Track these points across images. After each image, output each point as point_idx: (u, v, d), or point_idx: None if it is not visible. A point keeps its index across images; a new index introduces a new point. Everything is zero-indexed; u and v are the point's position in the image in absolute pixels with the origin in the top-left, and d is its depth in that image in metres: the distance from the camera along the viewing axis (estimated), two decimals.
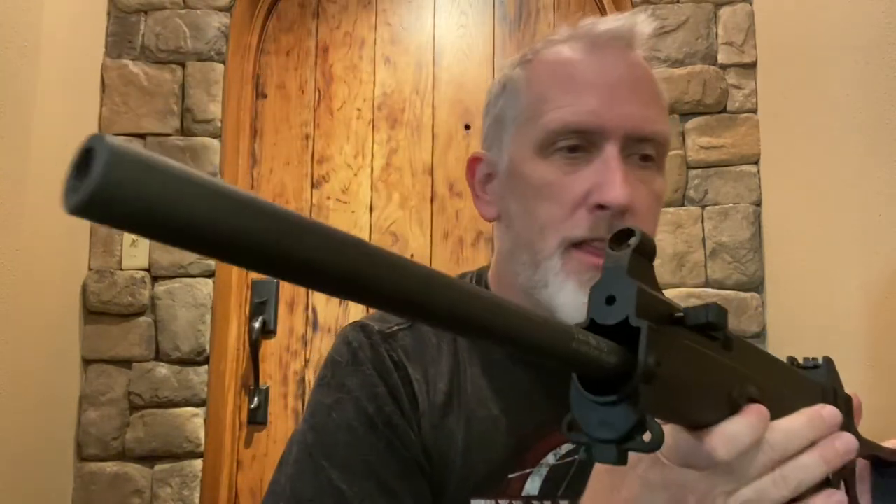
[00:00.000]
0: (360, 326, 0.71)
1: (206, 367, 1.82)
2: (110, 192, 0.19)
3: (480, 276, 0.79)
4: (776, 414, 0.43)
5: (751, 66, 1.89)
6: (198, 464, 1.78)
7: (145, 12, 1.95)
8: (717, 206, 1.85)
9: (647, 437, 0.34)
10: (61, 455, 1.74)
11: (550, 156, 0.66)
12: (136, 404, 1.80)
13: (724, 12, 1.92)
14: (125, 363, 1.81)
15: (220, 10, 1.95)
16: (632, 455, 0.35)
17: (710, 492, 0.41)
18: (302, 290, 1.92)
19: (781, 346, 1.69)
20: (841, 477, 0.54)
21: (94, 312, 1.82)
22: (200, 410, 1.80)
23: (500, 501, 0.66)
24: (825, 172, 1.54)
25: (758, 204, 1.84)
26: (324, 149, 2.01)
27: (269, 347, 1.92)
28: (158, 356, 1.81)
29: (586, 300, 0.37)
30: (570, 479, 0.68)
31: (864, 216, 1.37)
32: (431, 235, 1.97)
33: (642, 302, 0.35)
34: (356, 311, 1.90)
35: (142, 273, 1.84)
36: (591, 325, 0.35)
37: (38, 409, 1.64)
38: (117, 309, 1.82)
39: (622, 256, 0.37)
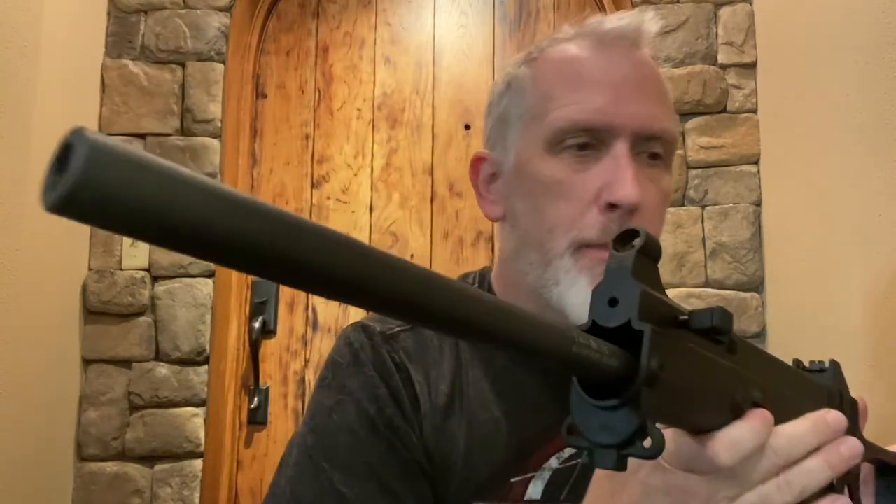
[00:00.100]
0: (361, 327, 0.70)
1: (206, 367, 1.82)
2: (89, 188, 0.18)
3: (483, 276, 0.78)
4: (781, 418, 0.42)
5: (751, 66, 1.89)
6: (198, 464, 1.78)
7: (145, 12, 1.95)
8: (717, 206, 1.85)
9: (647, 442, 0.33)
10: (61, 455, 1.74)
11: (560, 153, 0.65)
12: (136, 404, 1.79)
13: (724, 12, 1.92)
14: (125, 363, 1.81)
15: (220, 10, 1.94)
16: (633, 460, 0.34)
17: (712, 497, 0.41)
18: None
19: (781, 346, 1.69)
20: (845, 482, 0.53)
21: (94, 312, 1.82)
22: (200, 410, 1.80)
23: None
24: (825, 172, 1.53)
25: (758, 204, 1.84)
26: (324, 149, 2.01)
27: (269, 347, 1.92)
28: (158, 356, 1.81)
29: None
30: (572, 483, 0.67)
31: (864, 216, 1.37)
32: (431, 235, 1.97)
33: (645, 304, 0.34)
34: (356, 312, 1.89)
35: (142, 273, 1.84)
36: (593, 328, 0.35)
37: (38, 409, 1.63)
38: (117, 309, 1.82)
39: (626, 257, 0.36)
